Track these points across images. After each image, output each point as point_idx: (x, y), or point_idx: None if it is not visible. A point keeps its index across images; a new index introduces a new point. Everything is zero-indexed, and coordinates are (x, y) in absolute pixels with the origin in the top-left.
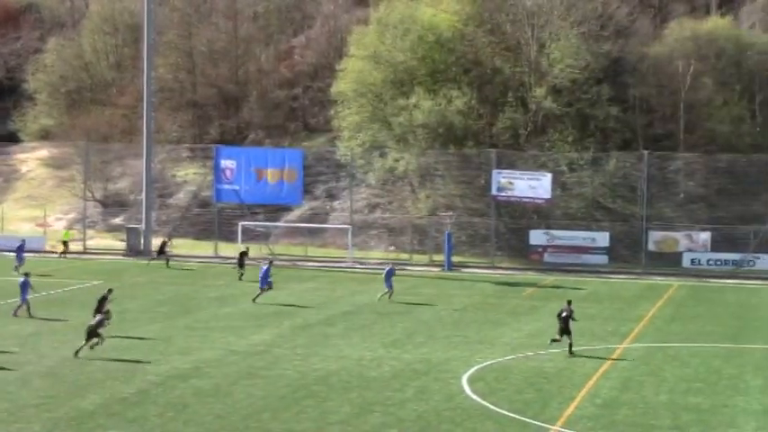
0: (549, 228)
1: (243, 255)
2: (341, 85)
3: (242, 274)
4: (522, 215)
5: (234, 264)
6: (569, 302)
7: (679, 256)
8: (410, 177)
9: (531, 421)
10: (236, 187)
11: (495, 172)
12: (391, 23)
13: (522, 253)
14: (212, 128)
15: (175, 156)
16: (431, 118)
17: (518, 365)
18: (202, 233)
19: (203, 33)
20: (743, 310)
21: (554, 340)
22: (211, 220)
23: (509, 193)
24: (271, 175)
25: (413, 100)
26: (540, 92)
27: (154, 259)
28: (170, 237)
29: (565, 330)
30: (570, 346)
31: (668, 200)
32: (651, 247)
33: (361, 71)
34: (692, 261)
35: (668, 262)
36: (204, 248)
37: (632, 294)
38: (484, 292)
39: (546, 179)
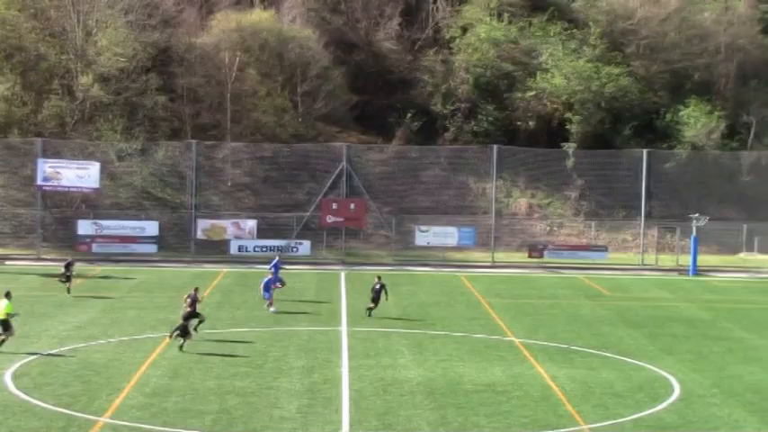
0: (97, 218)
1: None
2: None
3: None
4: (70, 205)
5: None
6: (379, 277)
7: (227, 243)
8: None
9: (79, 414)
10: None
11: (40, 161)
12: None
13: (70, 243)
14: None
15: None
16: None
17: (65, 359)
18: None
19: None
20: (284, 294)
21: (369, 308)
22: None
23: (55, 183)
24: None
25: None
26: (86, 80)
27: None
28: (72, 259)
29: (376, 300)
30: (371, 310)
31: (216, 188)
32: (200, 235)
33: None
34: (240, 248)
35: (216, 250)
36: None
37: (182, 282)
38: (29, 285)
39: (94, 168)
